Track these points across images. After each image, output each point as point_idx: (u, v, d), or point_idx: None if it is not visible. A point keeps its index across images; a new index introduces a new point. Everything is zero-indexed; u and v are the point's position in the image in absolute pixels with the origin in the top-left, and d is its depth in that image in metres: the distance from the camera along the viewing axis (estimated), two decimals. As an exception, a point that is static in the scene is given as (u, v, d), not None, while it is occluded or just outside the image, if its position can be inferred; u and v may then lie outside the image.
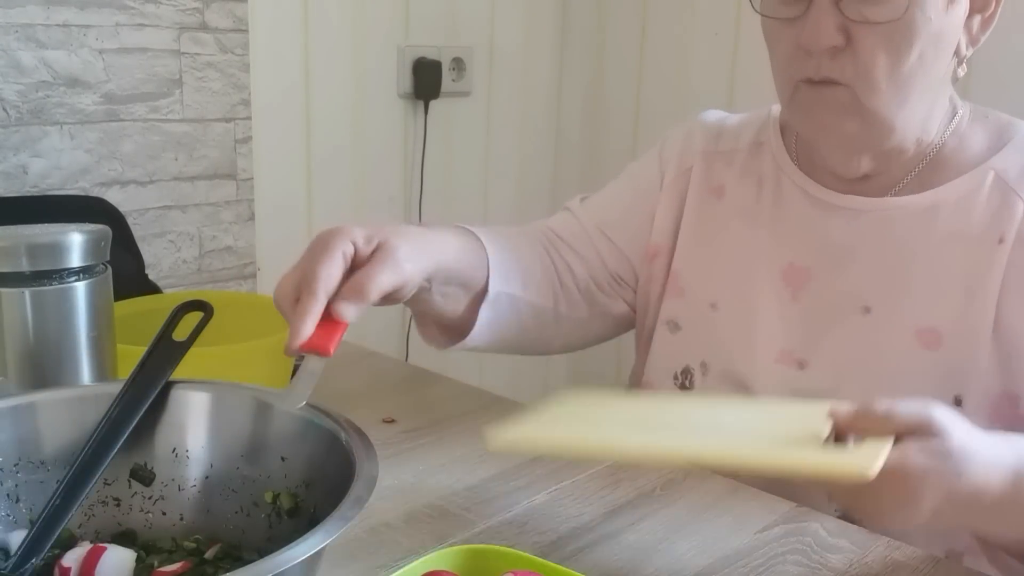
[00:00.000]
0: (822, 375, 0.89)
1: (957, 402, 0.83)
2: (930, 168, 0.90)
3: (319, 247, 0.71)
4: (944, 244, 0.86)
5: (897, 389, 0.82)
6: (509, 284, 0.93)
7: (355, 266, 0.72)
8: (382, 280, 0.71)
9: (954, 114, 0.92)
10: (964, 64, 0.87)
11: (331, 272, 0.69)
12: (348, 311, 0.70)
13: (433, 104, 1.87)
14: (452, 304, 0.88)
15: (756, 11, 0.88)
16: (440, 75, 1.86)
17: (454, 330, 0.92)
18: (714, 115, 1.07)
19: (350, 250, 0.72)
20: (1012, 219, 0.85)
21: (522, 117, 2.09)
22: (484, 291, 0.90)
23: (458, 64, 1.91)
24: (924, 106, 0.87)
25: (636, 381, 1.07)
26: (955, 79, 0.89)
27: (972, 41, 0.86)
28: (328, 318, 0.69)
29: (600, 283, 1.03)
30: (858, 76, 0.82)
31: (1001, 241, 0.84)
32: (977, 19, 0.85)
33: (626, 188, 1.07)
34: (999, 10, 0.86)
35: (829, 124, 0.86)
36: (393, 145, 1.86)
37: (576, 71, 2.15)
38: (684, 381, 0.98)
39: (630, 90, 2.09)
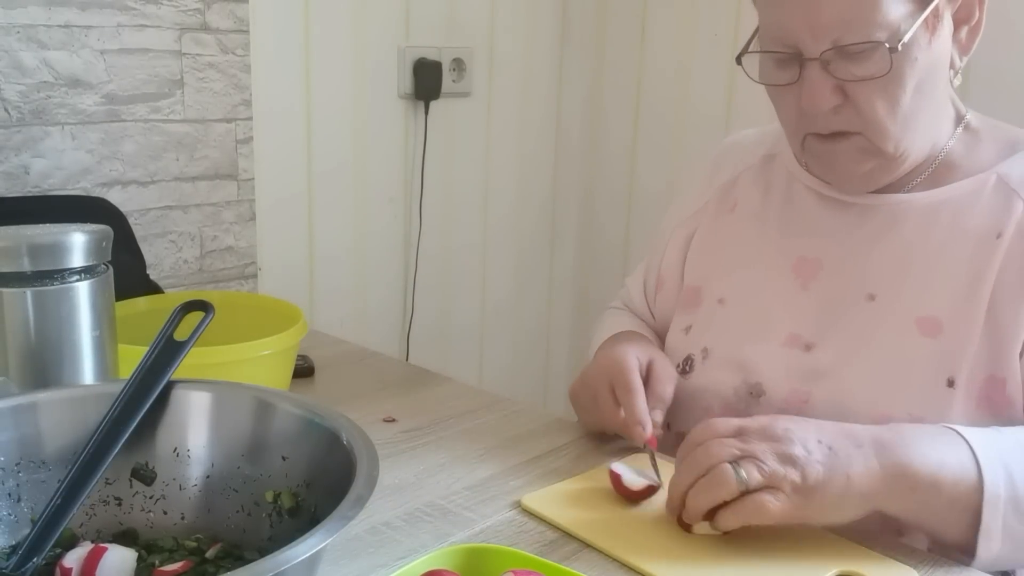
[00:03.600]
0: (827, 356, 0.92)
1: (950, 384, 0.86)
2: (938, 171, 0.94)
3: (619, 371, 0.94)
4: (947, 238, 0.90)
5: (895, 371, 0.88)
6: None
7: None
8: (668, 389, 0.95)
9: (959, 119, 0.96)
10: (959, 74, 0.91)
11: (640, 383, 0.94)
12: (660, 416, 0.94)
13: (433, 105, 1.87)
14: None
15: (755, 80, 0.94)
16: (440, 76, 1.86)
17: None
18: (738, 139, 1.13)
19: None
20: (1011, 216, 0.89)
21: (522, 117, 2.09)
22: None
23: (458, 65, 1.91)
24: (932, 123, 0.92)
25: None
26: (951, 87, 0.93)
27: (963, 51, 0.90)
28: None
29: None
30: (865, 125, 0.87)
31: (999, 236, 0.88)
32: (964, 30, 0.89)
33: (653, 244, 1.17)
34: (984, 15, 0.89)
35: (845, 168, 0.92)
36: (393, 146, 1.86)
37: (576, 71, 2.16)
38: (684, 367, 1.02)
39: (630, 90, 2.09)
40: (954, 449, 0.78)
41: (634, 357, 0.95)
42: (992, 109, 1.00)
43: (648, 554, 0.76)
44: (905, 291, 0.90)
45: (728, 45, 1.88)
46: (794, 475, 0.75)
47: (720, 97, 1.91)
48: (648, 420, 0.90)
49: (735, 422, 0.79)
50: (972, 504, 0.76)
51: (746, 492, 0.74)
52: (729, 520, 0.75)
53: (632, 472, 0.86)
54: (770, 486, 0.75)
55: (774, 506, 0.74)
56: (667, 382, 0.96)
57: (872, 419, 0.86)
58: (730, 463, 0.75)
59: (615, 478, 0.85)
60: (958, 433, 0.80)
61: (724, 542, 0.78)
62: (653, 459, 0.89)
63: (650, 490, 0.84)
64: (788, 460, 0.75)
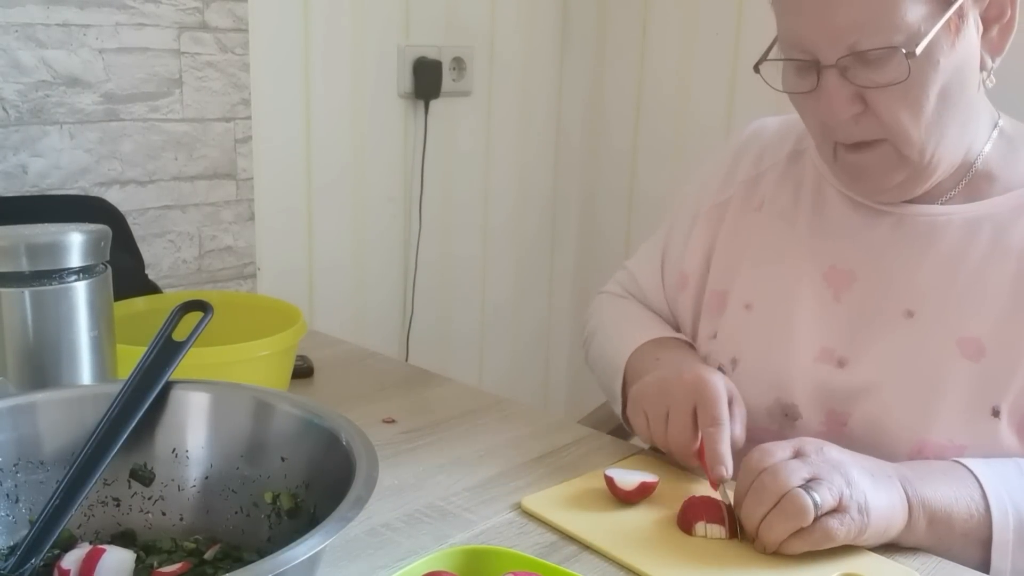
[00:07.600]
0: (862, 374, 0.90)
1: (995, 413, 0.84)
2: (976, 181, 0.91)
3: (709, 398, 0.86)
4: (989, 256, 0.87)
5: (936, 394, 0.85)
6: None
7: None
8: (741, 432, 0.88)
9: (994, 124, 0.92)
10: (992, 75, 0.87)
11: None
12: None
13: (433, 104, 1.87)
14: None
15: (778, 90, 0.89)
16: (440, 75, 1.86)
17: None
18: (759, 129, 1.09)
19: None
20: None
21: (522, 117, 2.09)
22: None
23: (458, 64, 1.91)
24: (965, 129, 0.88)
25: None
26: (983, 89, 0.89)
27: (995, 51, 0.86)
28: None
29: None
30: (888, 133, 0.84)
31: None
32: (995, 29, 0.85)
33: (668, 228, 1.13)
34: (1016, 12, 0.85)
35: (876, 181, 0.88)
36: (393, 145, 1.85)
37: (576, 71, 2.15)
38: None
39: (630, 90, 2.09)
40: (965, 486, 0.78)
41: (723, 386, 0.88)
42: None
43: (648, 556, 0.76)
44: (945, 310, 0.87)
45: (729, 45, 1.88)
46: (859, 494, 0.75)
47: (721, 97, 1.91)
48: (731, 461, 0.83)
49: (788, 445, 0.79)
50: (983, 538, 0.77)
51: (817, 517, 0.74)
52: (796, 547, 0.75)
53: (625, 473, 0.85)
54: (838, 509, 0.74)
55: (839, 531, 0.74)
56: (742, 425, 0.89)
57: (911, 444, 0.85)
58: (801, 487, 0.74)
59: (609, 481, 0.85)
60: (969, 470, 0.80)
61: (724, 544, 0.78)
62: (725, 495, 0.83)
63: (644, 489, 0.84)
64: (850, 481, 0.75)
